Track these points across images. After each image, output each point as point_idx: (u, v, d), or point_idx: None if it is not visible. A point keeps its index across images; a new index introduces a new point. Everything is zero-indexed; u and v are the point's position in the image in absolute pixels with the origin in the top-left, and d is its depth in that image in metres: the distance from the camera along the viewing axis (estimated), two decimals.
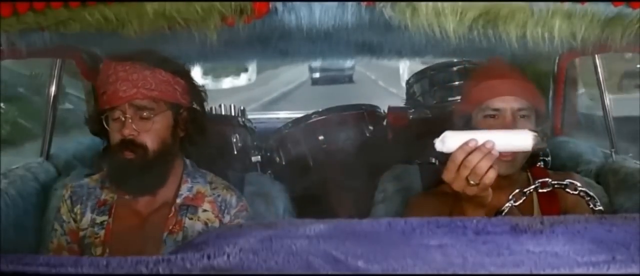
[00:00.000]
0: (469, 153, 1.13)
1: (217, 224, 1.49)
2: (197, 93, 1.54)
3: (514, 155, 1.46)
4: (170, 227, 1.47)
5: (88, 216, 1.51)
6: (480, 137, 1.15)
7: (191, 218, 1.48)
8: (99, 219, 1.50)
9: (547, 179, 1.25)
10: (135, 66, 1.41)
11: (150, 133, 1.43)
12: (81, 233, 1.51)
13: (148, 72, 1.42)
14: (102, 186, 1.54)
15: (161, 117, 1.44)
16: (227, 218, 1.50)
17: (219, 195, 1.53)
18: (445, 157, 1.18)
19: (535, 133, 1.18)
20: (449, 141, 1.16)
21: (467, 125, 1.55)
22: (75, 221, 1.52)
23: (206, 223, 1.49)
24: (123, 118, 1.41)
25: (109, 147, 1.48)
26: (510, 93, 1.50)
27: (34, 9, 1.01)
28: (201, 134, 1.53)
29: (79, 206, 1.53)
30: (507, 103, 1.49)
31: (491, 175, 1.14)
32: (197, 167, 1.58)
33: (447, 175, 1.16)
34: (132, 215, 1.50)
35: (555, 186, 1.23)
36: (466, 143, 1.14)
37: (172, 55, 1.52)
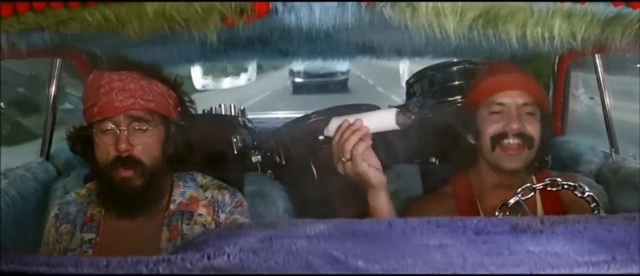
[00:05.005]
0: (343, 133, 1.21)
1: (213, 225, 1.46)
2: (185, 107, 1.49)
3: (520, 150, 1.46)
4: (168, 234, 1.43)
5: (78, 235, 1.45)
6: (353, 120, 1.24)
7: (188, 224, 1.45)
8: (86, 236, 1.44)
9: (557, 178, 1.25)
10: (132, 75, 1.35)
11: (145, 148, 1.37)
12: (70, 254, 1.43)
13: (145, 82, 1.36)
14: (89, 201, 1.49)
15: (155, 130, 1.39)
16: (222, 217, 1.48)
17: (211, 196, 1.50)
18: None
19: (398, 110, 1.25)
20: (332, 126, 1.27)
21: (474, 123, 1.54)
22: (58, 242, 1.46)
23: (204, 225, 1.46)
24: (117, 131, 1.34)
25: (96, 170, 1.40)
26: (515, 87, 1.50)
27: (34, 9, 1.01)
28: (189, 152, 1.48)
29: (64, 225, 1.47)
30: (511, 97, 1.49)
31: (360, 148, 1.19)
32: (185, 171, 1.54)
33: (334, 162, 1.23)
34: (122, 228, 1.44)
35: (565, 187, 1.23)
36: (340, 126, 1.22)
37: (172, 56, 1.51)
